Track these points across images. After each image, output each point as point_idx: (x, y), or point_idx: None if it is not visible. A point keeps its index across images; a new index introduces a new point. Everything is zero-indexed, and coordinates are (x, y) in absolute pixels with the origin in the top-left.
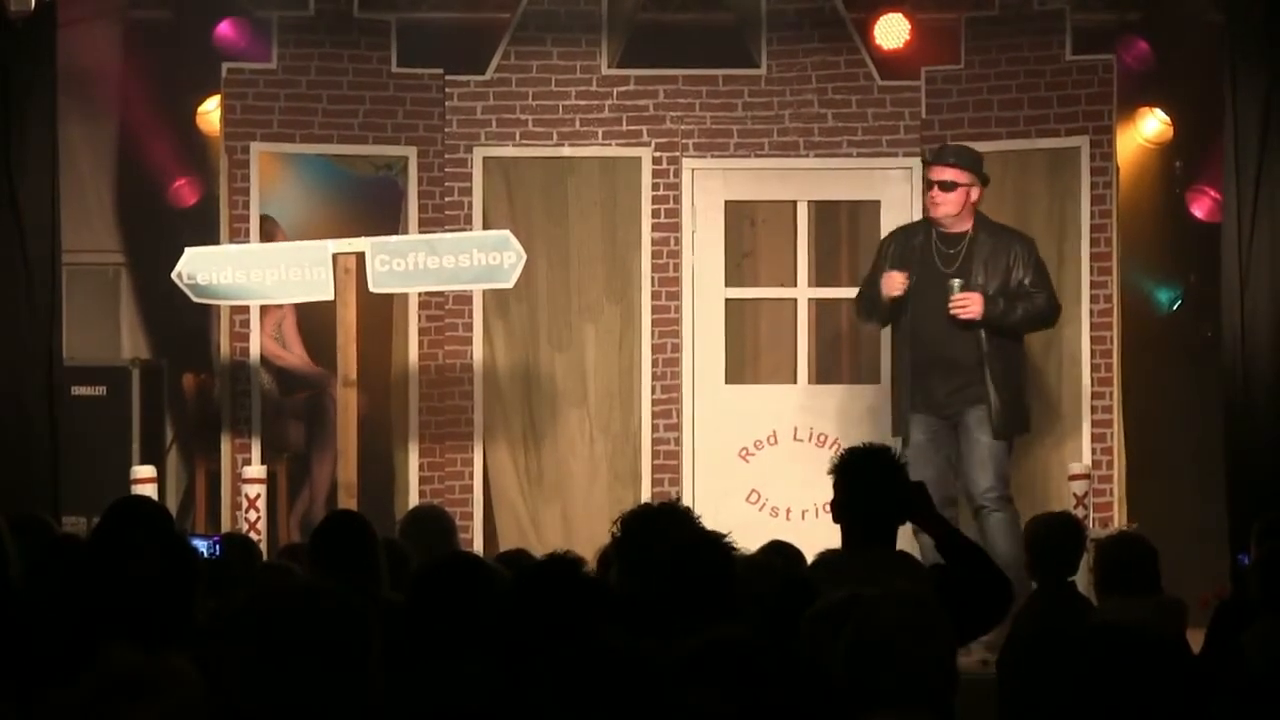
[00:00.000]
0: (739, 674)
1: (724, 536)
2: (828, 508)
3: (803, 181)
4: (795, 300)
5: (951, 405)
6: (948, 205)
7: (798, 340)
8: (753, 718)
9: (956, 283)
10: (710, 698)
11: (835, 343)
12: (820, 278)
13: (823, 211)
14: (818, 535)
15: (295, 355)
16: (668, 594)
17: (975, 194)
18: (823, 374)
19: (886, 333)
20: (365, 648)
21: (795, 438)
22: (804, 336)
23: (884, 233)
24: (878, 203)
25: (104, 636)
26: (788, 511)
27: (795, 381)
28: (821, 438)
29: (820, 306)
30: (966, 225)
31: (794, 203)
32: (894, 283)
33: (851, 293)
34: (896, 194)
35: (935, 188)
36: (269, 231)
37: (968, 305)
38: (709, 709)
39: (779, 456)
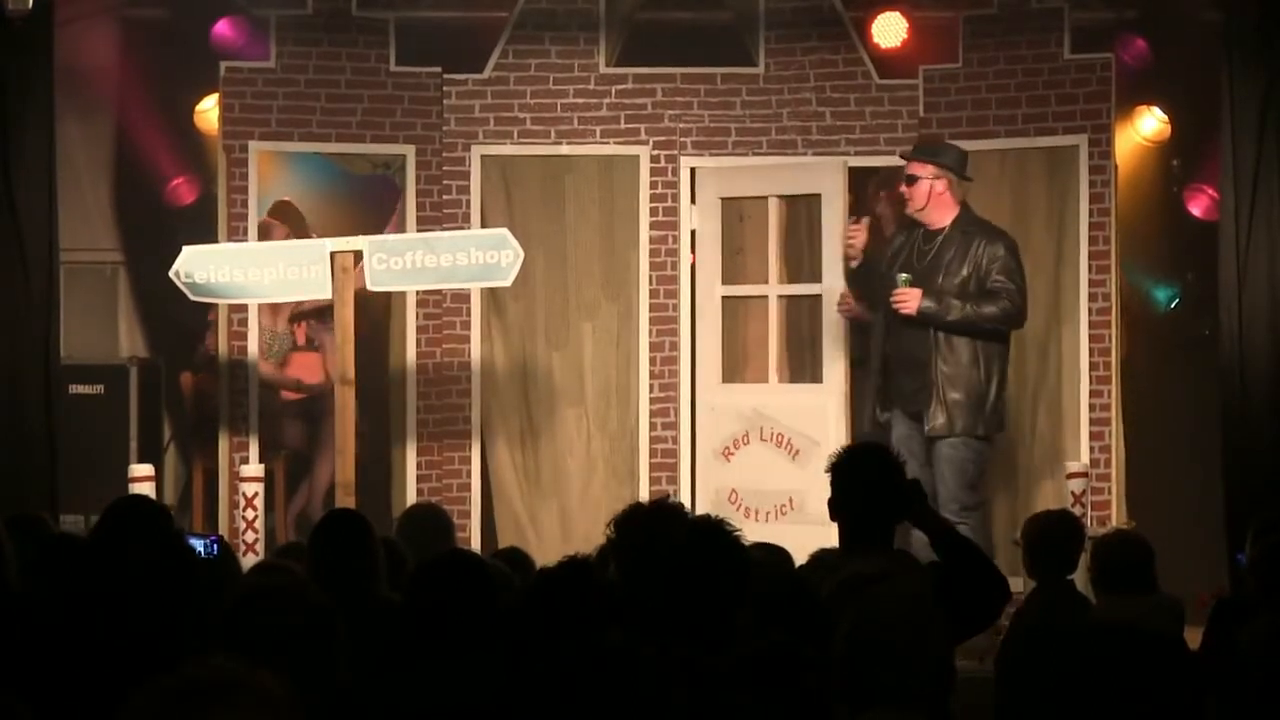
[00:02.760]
0: (787, 681)
1: (727, 525)
2: (784, 510)
3: (796, 177)
4: (767, 297)
5: (916, 403)
6: (915, 200)
7: (769, 339)
8: None
9: (902, 277)
10: (758, 703)
11: (798, 341)
12: (790, 274)
13: (792, 207)
14: (779, 538)
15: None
16: (674, 590)
17: (940, 185)
18: (790, 372)
19: (827, 333)
20: (331, 643)
21: (761, 437)
22: (774, 335)
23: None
24: (907, 179)
25: (102, 635)
26: (755, 512)
27: (768, 380)
28: (779, 437)
29: (789, 304)
30: (945, 221)
31: (765, 199)
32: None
33: (815, 289)
34: None
35: (902, 183)
36: (283, 211)
37: (905, 301)
38: (756, 713)
39: (750, 456)
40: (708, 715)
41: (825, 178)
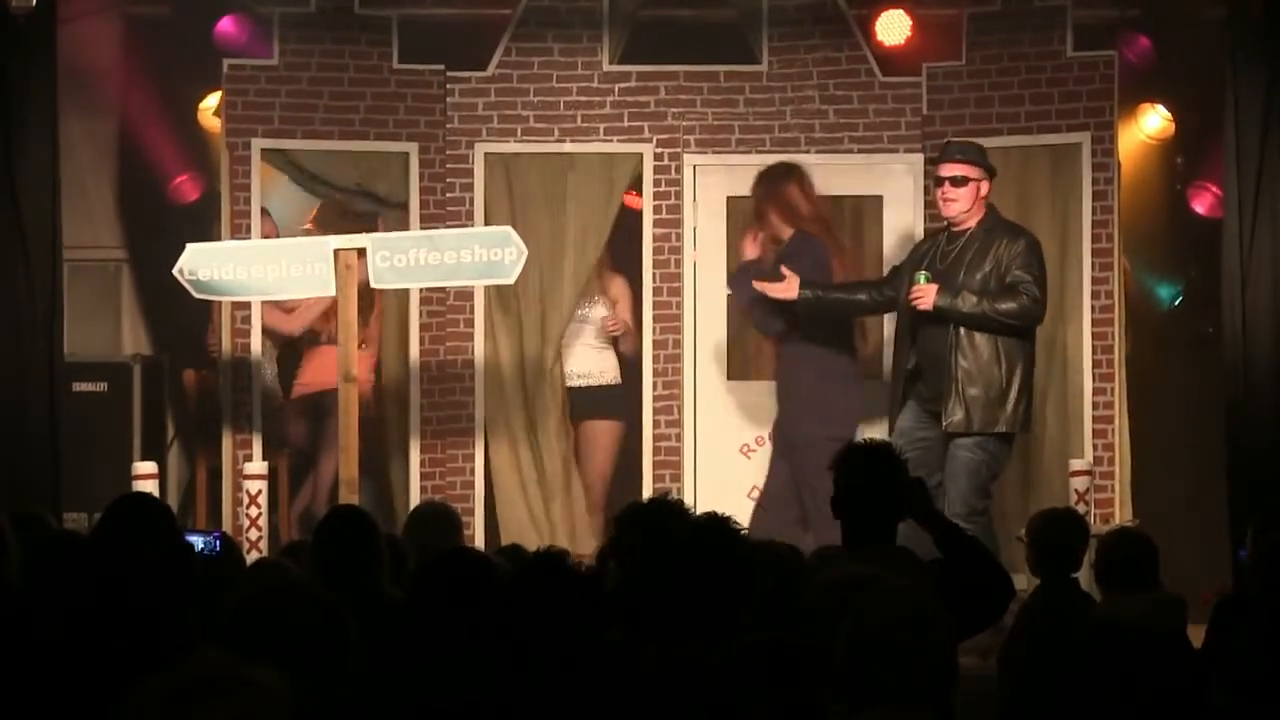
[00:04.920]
0: (783, 677)
1: (728, 520)
2: (830, 503)
3: (842, 178)
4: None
5: (937, 402)
6: (960, 201)
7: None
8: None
9: (922, 274)
10: (753, 699)
11: None
12: None
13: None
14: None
15: (299, 320)
16: (680, 587)
17: (985, 188)
18: None
19: (889, 331)
20: (343, 641)
21: None
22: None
23: (886, 228)
24: (880, 198)
25: (102, 633)
26: None
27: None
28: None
29: None
30: (973, 222)
31: None
32: (778, 288)
33: None
34: (899, 189)
35: (946, 184)
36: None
37: (922, 296)
38: (751, 710)
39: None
40: (702, 711)
41: (891, 179)
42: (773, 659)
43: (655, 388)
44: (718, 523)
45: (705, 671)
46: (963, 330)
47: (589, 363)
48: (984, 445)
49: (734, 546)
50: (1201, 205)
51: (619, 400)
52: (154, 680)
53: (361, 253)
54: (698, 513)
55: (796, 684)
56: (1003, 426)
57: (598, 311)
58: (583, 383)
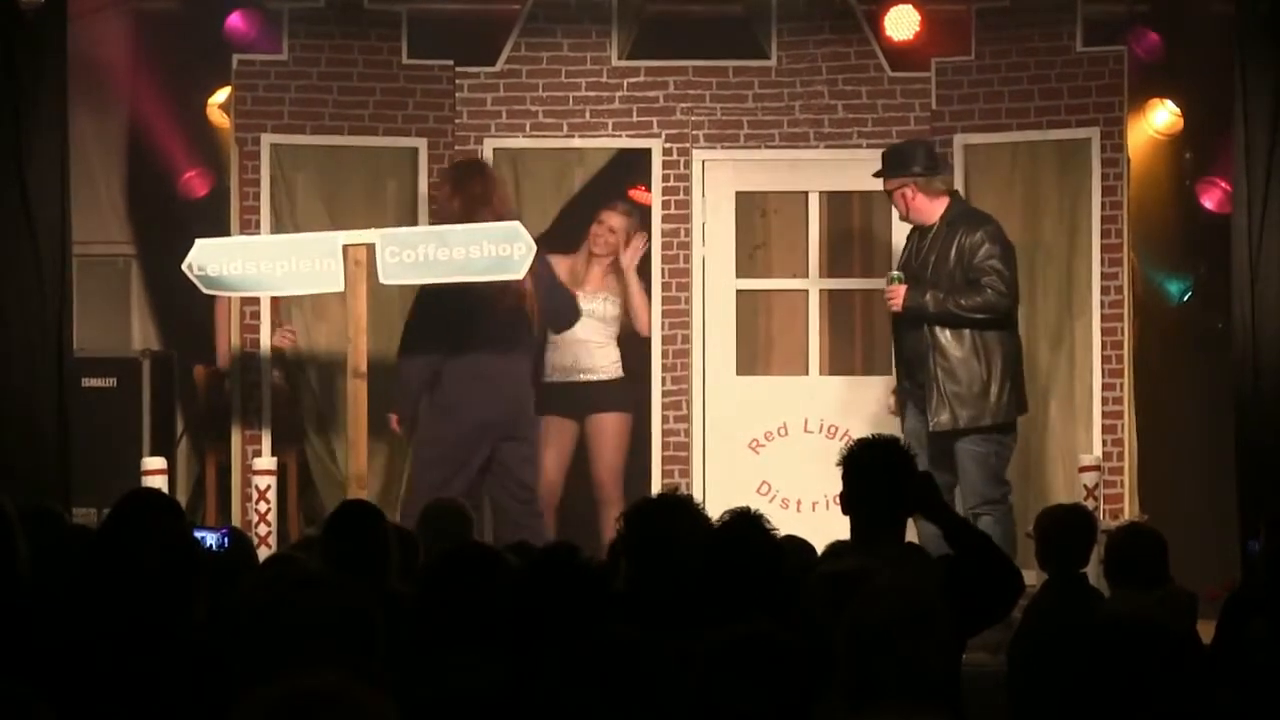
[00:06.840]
0: (769, 667)
1: (759, 516)
2: (838, 499)
3: (813, 172)
4: (807, 291)
5: (923, 400)
6: (898, 211)
7: (809, 331)
8: (781, 712)
9: (893, 275)
10: (739, 689)
11: (847, 334)
12: (831, 269)
13: (834, 202)
14: (829, 527)
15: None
16: (704, 582)
17: (910, 192)
18: (834, 365)
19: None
20: (372, 636)
21: (806, 429)
22: (815, 327)
23: (895, 223)
24: (888, 194)
25: (111, 628)
26: (798, 503)
27: (806, 373)
28: (832, 429)
29: (832, 297)
30: (935, 217)
31: (805, 193)
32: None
33: (863, 284)
34: None
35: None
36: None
37: (893, 299)
38: (738, 701)
39: (789, 448)
40: (687, 698)
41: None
42: (755, 648)
43: (664, 383)
44: (750, 518)
45: (686, 658)
46: (937, 329)
47: (594, 358)
48: (987, 438)
49: (766, 541)
50: (1211, 201)
51: (624, 394)
52: (260, 693)
53: (370, 248)
54: (707, 508)
55: (783, 675)
56: (988, 419)
57: (602, 308)
58: (587, 378)
